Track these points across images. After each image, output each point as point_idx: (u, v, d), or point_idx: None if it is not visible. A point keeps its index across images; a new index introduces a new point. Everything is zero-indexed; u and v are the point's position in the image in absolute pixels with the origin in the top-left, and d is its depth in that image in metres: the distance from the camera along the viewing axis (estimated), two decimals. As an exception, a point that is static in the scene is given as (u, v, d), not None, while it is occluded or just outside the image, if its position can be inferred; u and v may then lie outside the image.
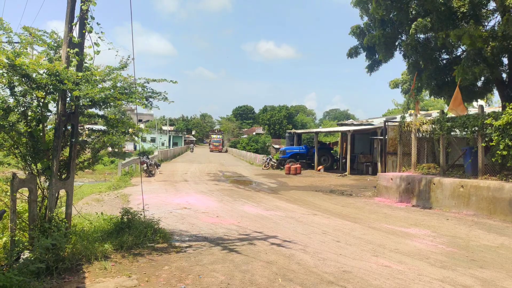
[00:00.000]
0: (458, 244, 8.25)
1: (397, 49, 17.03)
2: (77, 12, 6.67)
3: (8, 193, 6.00)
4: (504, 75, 15.43)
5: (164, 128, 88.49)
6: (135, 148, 51.40)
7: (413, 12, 14.68)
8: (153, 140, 76.24)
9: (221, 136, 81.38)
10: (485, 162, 12.36)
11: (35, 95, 6.20)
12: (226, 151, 76.60)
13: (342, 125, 40.62)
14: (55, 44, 7.04)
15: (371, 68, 18.37)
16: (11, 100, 6.26)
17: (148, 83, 7.14)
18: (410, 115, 18.22)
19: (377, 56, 17.63)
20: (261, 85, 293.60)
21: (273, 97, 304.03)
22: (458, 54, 16.60)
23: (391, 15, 15.52)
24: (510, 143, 11.00)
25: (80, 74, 6.10)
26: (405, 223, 10.59)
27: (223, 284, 5.46)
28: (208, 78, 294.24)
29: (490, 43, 12.50)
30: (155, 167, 26.62)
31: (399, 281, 5.78)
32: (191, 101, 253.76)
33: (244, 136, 79.73)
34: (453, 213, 12.07)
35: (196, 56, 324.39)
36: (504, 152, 11.06)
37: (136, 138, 8.32)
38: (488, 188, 11.39)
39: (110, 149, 8.23)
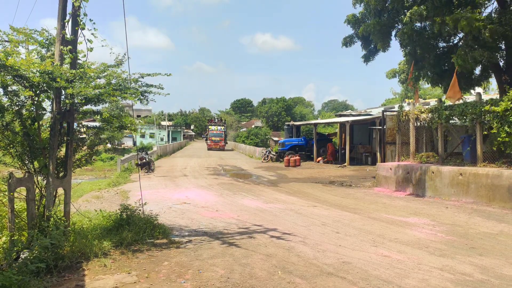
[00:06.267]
0: (458, 232, 8.27)
1: (394, 38, 16.89)
2: (69, 9, 6.61)
3: (6, 193, 5.98)
4: (502, 62, 15.35)
5: (163, 123, 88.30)
6: (134, 144, 51.42)
7: (409, 0, 14.54)
8: (152, 135, 76.12)
9: (222, 127, 57.89)
10: (483, 150, 12.35)
11: (27, 95, 6.16)
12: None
13: (340, 116, 40.50)
14: (47, 42, 6.99)
15: (367, 58, 18.21)
16: (4, 100, 6.23)
17: (143, 77, 7.11)
18: (408, 104, 18.11)
19: (372, 45, 17.48)
20: (259, 77, 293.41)
21: (272, 89, 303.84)
22: (456, 42, 16.50)
23: (387, 4, 15.37)
24: (509, 130, 10.97)
25: (73, 71, 6.06)
26: (404, 213, 10.61)
27: (223, 278, 5.46)
28: (206, 72, 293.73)
29: (488, 26, 12.41)
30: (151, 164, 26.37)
31: (398, 270, 5.80)
32: (189, 96, 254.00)
33: (243, 129, 79.13)
34: (452, 201, 12.09)
35: (194, 50, 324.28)
36: (506, 139, 11.01)
37: (133, 133, 8.29)
38: (487, 176, 11.39)
39: (109, 145, 8.24)
